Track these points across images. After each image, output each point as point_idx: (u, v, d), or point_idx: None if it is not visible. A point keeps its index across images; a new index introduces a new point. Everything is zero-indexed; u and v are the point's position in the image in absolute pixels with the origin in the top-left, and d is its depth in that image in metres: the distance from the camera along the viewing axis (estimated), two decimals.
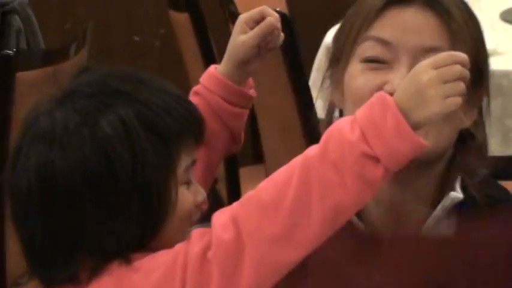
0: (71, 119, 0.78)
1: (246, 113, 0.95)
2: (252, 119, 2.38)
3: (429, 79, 0.72)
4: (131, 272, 0.76)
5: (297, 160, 0.75)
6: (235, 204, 0.77)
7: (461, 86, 0.73)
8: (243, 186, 2.36)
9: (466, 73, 0.74)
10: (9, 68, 1.83)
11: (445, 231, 0.87)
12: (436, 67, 0.73)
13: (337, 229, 0.75)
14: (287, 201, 0.73)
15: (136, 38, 3.36)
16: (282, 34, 0.93)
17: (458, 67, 0.73)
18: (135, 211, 0.77)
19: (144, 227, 0.78)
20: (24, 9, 2.33)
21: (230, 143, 0.96)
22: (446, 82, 0.72)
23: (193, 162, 0.82)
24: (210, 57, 2.28)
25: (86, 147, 0.76)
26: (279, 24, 0.92)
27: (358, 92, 0.85)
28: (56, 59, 1.91)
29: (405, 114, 0.71)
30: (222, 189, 2.45)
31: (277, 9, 2.21)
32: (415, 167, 0.80)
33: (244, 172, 2.43)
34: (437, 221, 0.86)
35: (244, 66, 0.91)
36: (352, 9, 0.91)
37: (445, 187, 0.87)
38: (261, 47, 0.91)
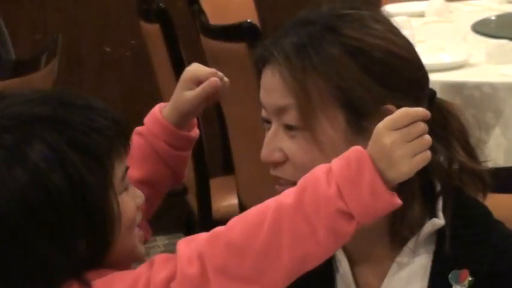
0: None
1: (189, 153, 0.96)
2: (222, 129, 2.44)
3: (393, 142, 0.72)
4: None
5: (271, 204, 0.74)
6: (202, 237, 0.76)
7: (426, 140, 0.73)
8: (213, 197, 2.36)
9: (426, 127, 0.74)
10: None
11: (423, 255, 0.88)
12: (396, 128, 0.72)
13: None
14: (256, 244, 0.73)
15: (107, 49, 3.35)
16: (227, 82, 0.94)
17: (419, 124, 0.73)
18: (82, 232, 0.76)
19: (94, 245, 0.77)
20: None
21: (172, 181, 0.96)
22: (410, 141, 0.72)
23: (127, 169, 0.82)
24: (181, 68, 2.24)
25: (20, 183, 0.74)
26: (224, 83, 0.93)
27: None
28: (27, 69, 1.91)
29: (381, 172, 0.72)
30: (193, 199, 2.44)
31: (249, 20, 2.23)
32: None
33: (214, 183, 2.43)
34: (416, 245, 0.86)
35: (188, 115, 0.92)
36: None
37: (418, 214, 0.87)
38: (206, 101, 0.92)
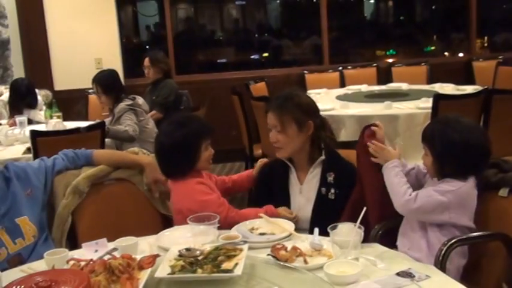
0: None
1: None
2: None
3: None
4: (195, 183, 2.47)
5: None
6: None
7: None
8: None
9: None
10: None
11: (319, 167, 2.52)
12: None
13: None
14: None
15: None
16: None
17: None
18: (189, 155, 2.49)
19: (190, 162, 2.48)
20: None
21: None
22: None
23: (208, 144, 2.52)
24: None
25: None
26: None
27: None
28: None
29: None
30: None
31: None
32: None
33: None
34: (316, 164, 2.51)
35: None
36: None
37: (316, 154, 2.52)
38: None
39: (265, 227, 2.23)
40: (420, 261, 1.94)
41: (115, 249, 1.99)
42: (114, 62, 6.39)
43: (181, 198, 2.45)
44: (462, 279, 2.00)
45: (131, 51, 7.45)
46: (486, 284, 2.17)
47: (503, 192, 2.16)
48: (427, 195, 2.12)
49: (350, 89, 5.82)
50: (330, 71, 6.81)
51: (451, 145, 2.14)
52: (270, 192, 2.53)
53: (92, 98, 5.68)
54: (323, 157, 2.47)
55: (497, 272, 2.16)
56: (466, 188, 2.13)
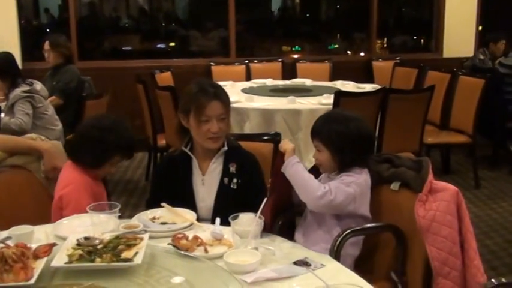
0: None
1: None
2: None
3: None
4: None
5: None
6: None
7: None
8: None
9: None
10: None
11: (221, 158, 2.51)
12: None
13: None
14: None
15: None
16: None
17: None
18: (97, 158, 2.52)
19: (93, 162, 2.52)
20: None
21: None
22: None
23: (117, 162, 2.59)
24: None
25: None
26: None
27: None
28: None
29: None
30: None
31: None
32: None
33: None
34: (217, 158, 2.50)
35: None
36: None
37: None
38: None
39: (166, 216, 2.23)
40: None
41: (9, 237, 1.92)
42: (12, 44, 6.10)
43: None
44: (355, 269, 2.10)
45: (30, 34, 7.13)
46: (377, 273, 2.29)
47: (394, 186, 2.29)
48: (336, 186, 2.20)
49: (255, 82, 5.90)
50: (236, 63, 6.86)
51: (348, 136, 2.25)
52: (171, 184, 2.50)
53: None
54: (225, 148, 2.49)
55: (387, 261, 2.29)
56: (364, 178, 2.25)
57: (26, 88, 4.19)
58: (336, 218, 2.24)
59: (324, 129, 2.30)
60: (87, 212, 2.10)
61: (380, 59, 7.16)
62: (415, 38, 8.42)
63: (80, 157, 2.49)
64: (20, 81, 4.25)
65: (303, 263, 1.85)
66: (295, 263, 1.85)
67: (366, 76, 6.80)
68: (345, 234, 2.14)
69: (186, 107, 2.45)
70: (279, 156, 2.30)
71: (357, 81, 5.64)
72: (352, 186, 2.20)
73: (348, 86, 5.52)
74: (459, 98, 5.43)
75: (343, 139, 2.25)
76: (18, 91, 4.16)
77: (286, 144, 2.32)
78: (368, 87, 5.32)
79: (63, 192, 2.41)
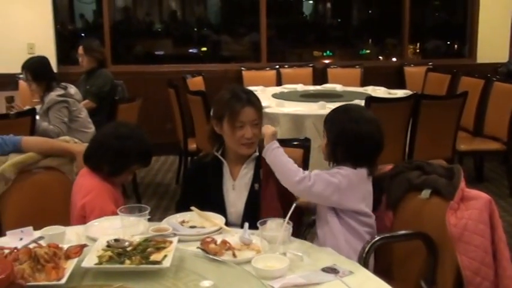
0: None
1: None
2: None
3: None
4: None
5: None
6: None
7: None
8: None
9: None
10: None
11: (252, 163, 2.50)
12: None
13: None
14: None
15: None
16: None
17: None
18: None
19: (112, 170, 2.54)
20: None
21: None
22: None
23: (134, 170, 2.65)
24: None
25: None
26: None
27: None
28: None
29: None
30: None
31: None
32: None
33: None
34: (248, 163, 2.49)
35: None
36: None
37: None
38: None
39: (195, 220, 2.24)
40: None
41: (41, 237, 1.95)
42: (48, 48, 6.23)
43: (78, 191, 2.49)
44: (385, 276, 2.08)
45: (66, 38, 7.26)
46: (407, 282, 2.27)
47: (425, 193, 2.26)
48: (317, 173, 2.23)
49: (286, 87, 5.90)
50: (267, 68, 6.87)
51: (344, 133, 2.27)
52: (201, 188, 2.51)
53: (23, 83, 5.50)
54: (257, 153, 2.48)
55: (417, 270, 2.26)
56: (355, 175, 2.24)
57: (61, 92, 4.26)
58: (336, 216, 2.25)
59: (329, 118, 2.37)
60: None
61: (412, 65, 7.09)
62: (448, 43, 8.32)
63: (99, 166, 2.50)
64: (55, 85, 4.33)
65: (331, 270, 1.84)
66: (323, 269, 1.84)
67: (398, 82, 6.74)
68: (374, 241, 2.12)
69: (219, 114, 2.46)
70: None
71: (388, 87, 5.60)
72: (337, 176, 2.21)
73: (379, 91, 5.48)
74: (493, 104, 5.35)
75: (339, 134, 2.28)
76: (53, 95, 4.23)
77: (266, 129, 2.38)
78: (400, 93, 5.27)
79: (85, 200, 2.41)
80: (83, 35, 7.88)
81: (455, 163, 4.06)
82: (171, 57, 7.99)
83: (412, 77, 6.83)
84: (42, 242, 1.89)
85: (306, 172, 2.23)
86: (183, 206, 2.38)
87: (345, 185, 2.21)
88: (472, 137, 5.40)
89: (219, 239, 1.99)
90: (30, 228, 2.03)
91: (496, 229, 2.11)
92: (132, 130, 2.57)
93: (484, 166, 5.78)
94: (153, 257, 1.78)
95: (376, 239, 2.13)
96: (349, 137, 2.25)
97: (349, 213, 2.24)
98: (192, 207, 2.30)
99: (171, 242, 1.88)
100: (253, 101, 2.44)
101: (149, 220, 2.14)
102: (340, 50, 8.53)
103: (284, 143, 2.87)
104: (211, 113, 2.55)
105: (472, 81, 5.57)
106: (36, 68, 4.35)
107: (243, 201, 2.46)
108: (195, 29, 8.61)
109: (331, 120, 2.36)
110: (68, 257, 1.77)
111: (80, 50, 5.26)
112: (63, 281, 1.65)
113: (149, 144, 2.58)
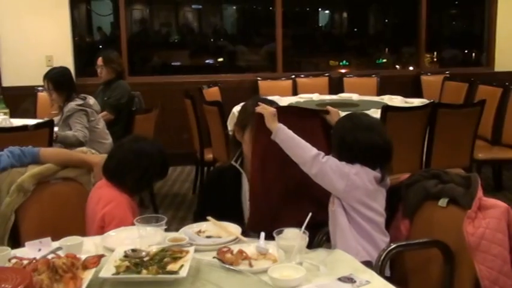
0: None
1: None
2: None
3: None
4: None
5: None
6: None
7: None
8: None
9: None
10: None
11: None
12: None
13: None
14: None
15: None
16: None
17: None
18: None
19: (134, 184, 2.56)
20: None
21: None
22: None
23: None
24: None
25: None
26: None
27: None
28: None
29: None
30: None
31: None
32: None
33: None
34: None
35: None
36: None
37: None
38: None
39: (212, 230, 2.25)
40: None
41: (59, 248, 1.97)
42: (66, 60, 6.30)
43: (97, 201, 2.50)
44: (400, 285, 2.07)
45: (83, 50, 7.35)
46: None
47: (442, 202, 2.25)
48: (329, 157, 2.26)
49: (302, 97, 5.90)
50: (283, 78, 6.89)
51: (342, 139, 2.29)
52: (219, 198, 2.52)
53: (41, 95, 5.58)
54: None
55: (434, 279, 2.24)
56: (365, 172, 2.24)
57: (80, 102, 4.33)
58: (346, 218, 2.24)
59: (335, 126, 2.40)
60: None
61: (429, 73, 7.06)
62: (465, 51, 8.28)
63: (124, 183, 2.52)
64: (74, 95, 4.40)
65: (348, 280, 1.83)
66: (340, 279, 1.84)
67: (415, 91, 6.72)
68: (389, 249, 2.11)
69: (243, 122, 2.49)
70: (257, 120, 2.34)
71: (405, 96, 5.58)
72: (347, 167, 2.23)
73: (396, 100, 5.46)
74: (511, 113, 5.30)
75: (338, 140, 2.31)
76: (72, 104, 4.30)
77: (264, 109, 2.34)
78: (416, 101, 5.25)
79: (105, 210, 2.42)
80: (100, 47, 7.97)
81: (473, 172, 4.03)
82: (188, 68, 8.05)
83: (429, 86, 6.80)
84: (60, 253, 1.90)
85: (320, 151, 2.26)
86: (200, 215, 2.39)
87: (353, 175, 2.21)
88: (490, 145, 5.35)
89: (235, 248, 1.99)
90: (49, 239, 2.05)
91: None
92: (152, 145, 2.60)
93: (502, 175, 5.73)
94: (169, 267, 1.79)
95: (392, 246, 2.12)
96: (346, 144, 2.27)
97: (356, 210, 2.23)
98: (208, 217, 2.30)
99: (187, 252, 1.89)
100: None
101: (166, 230, 2.15)
102: (356, 59, 8.52)
103: None
104: (236, 120, 2.58)
105: (490, 90, 5.53)
106: (58, 77, 4.43)
107: None
108: (211, 40, 8.67)
109: (334, 129, 2.39)
110: (85, 267, 1.79)
111: (99, 61, 5.32)
112: None
113: (167, 157, 2.61)
